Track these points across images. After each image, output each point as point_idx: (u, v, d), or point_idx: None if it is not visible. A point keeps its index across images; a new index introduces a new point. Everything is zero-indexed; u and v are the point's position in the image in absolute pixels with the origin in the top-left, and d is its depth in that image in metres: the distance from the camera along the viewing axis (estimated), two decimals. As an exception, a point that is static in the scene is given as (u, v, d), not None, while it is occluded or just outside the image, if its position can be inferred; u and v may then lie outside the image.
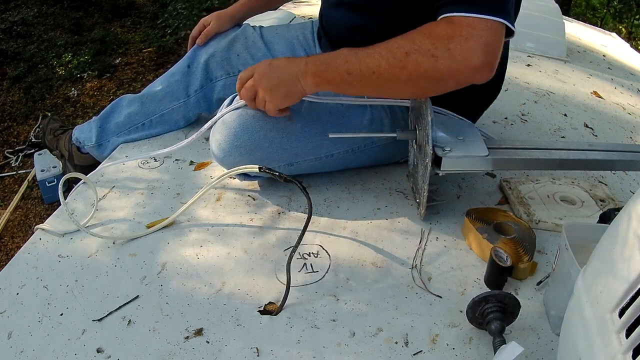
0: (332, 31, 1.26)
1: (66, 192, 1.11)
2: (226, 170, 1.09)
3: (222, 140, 1.09)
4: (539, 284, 0.95)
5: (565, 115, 1.69)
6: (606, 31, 3.13)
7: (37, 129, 1.78)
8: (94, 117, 1.44)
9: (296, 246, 0.92)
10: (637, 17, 6.13)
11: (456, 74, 0.86)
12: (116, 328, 0.84)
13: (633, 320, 0.50)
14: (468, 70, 0.85)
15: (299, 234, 0.92)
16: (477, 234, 1.01)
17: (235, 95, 1.14)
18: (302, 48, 1.38)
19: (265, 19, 1.79)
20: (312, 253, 1.01)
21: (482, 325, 0.83)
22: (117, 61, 3.68)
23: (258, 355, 0.80)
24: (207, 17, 1.39)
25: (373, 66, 0.91)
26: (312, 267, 0.98)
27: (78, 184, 1.19)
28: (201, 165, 1.28)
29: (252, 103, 1.05)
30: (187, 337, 0.83)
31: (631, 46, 2.87)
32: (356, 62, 0.93)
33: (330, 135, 1.06)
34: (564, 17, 2.55)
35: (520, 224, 1.05)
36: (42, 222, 1.07)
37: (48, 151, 1.57)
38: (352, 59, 0.94)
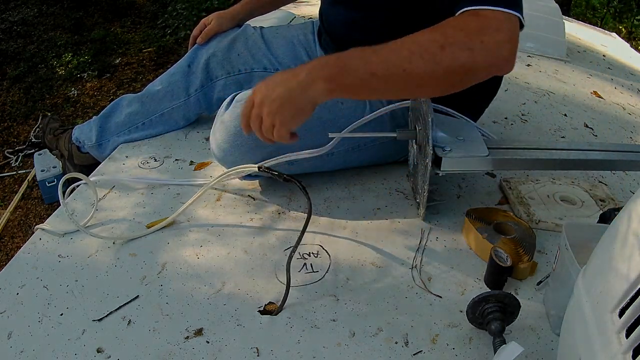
0: (332, 28, 1.26)
1: (66, 192, 1.11)
2: (226, 170, 1.09)
3: (222, 140, 1.09)
4: (539, 284, 0.95)
5: (565, 115, 1.69)
6: (606, 31, 3.13)
7: (37, 129, 1.78)
8: (94, 117, 1.44)
9: (296, 246, 0.91)
10: (638, 17, 6.12)
11: (489, 66, 0.86)
12: (116, 328, 0.84)
13: (633, 320, 0.50)
14: (499, 62, 0.85)
15: (299, 234, 0.92)
16: (477, 234, 1.01)
17: (235, 95, 1.14)
18: (303, 48, 1.38)
19: (265, 19, 1.79)
20: (312, 253, 1.01)
21: (482, 325, 0.83)
22: (117, 61, 3.68)
23: (258, 355, 0.80)
24: (208, 16, 1.39)
25: (403, 63, 0.82)
26: (312, 267, 0.98)
27: (78, 183, 1.19)
28: (201, 165, 1.28)
29: (261, 133, 0.93)
30: (187, 337, 0.83)
31: (631, 46, 2.87)
32: (380, 62, 0.83)
33: (330, 135, 1.06)
34: (564, 17, 2.54)
35: (520, 224, 1.05)
36: (42, 222, 1.07)
37: (48, 151, 1.57)
38: (373, 58, 0.83)
